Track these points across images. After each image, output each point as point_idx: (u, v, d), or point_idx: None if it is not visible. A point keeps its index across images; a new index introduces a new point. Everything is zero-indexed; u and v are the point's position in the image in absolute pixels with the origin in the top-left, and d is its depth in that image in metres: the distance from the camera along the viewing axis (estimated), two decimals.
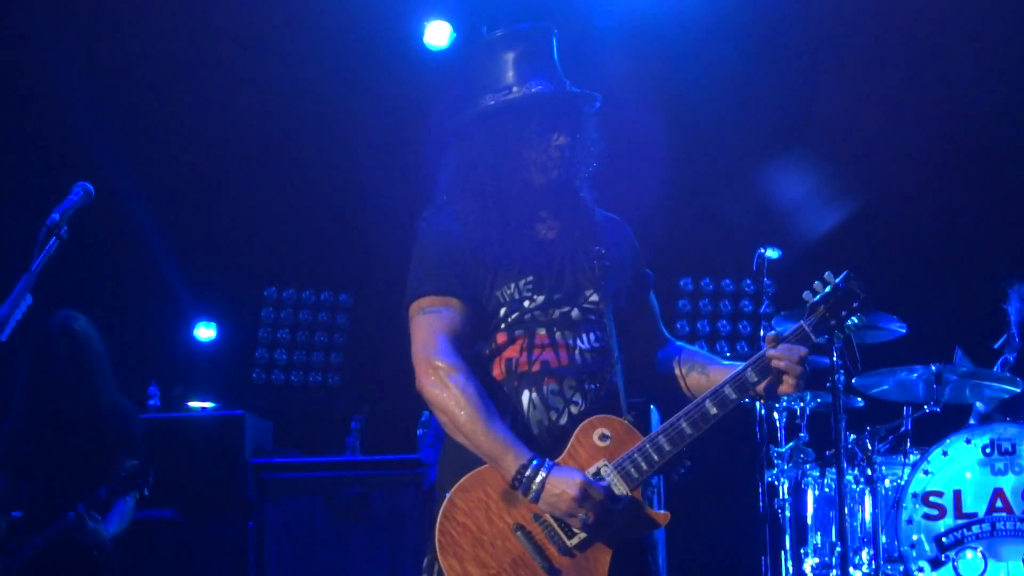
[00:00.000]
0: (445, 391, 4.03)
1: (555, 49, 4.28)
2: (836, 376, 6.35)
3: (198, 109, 10.02)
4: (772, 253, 7.84)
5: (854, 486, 7.61)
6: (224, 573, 8.57)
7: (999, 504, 7.24)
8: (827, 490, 7.74)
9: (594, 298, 4.23)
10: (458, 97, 4.33)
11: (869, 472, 7.52)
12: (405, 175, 10.12)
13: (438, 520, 4.04)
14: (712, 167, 9.99)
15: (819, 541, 7.75)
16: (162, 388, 9.61)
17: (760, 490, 7.59)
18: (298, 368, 10.58)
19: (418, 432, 8.00)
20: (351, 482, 8.70)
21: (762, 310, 7.97)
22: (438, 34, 10.03)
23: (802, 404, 8.00)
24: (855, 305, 4.16)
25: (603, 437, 4.08)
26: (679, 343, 4.52)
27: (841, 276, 4.17)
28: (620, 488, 4.02)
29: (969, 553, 7.16)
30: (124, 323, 10.08)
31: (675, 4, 9.59)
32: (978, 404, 8.16)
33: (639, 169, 8.26)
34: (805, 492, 7.83)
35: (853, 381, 7.69)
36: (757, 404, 7.23)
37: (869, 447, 7.54)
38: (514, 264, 4.18)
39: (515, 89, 4.19)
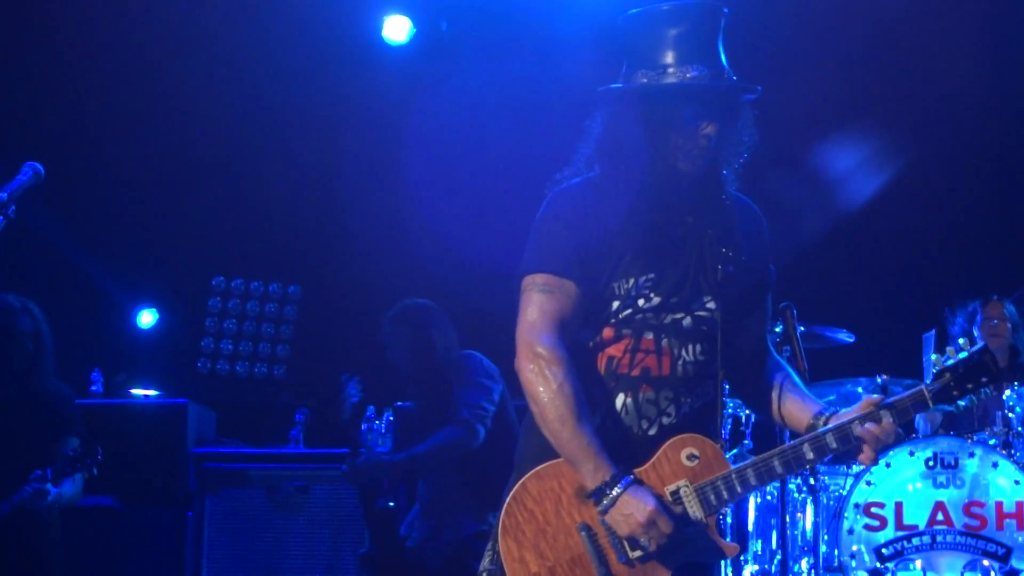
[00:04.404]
0: (542, 382, 3.90)
1: (721, 31, 4.01)
2: None
3: (150, 95, 9.94)
4: None
5: (796, 495, 7.63)
6: (162, 563, 8.51)
7: (940, 517, 7.27)
8: (769, 498, 7.74)
9: (711, 305, 4.04)
10: (611, 60, 4.12)
11: (812, 481, 7.53)
12: (361, 170, 10.10)
13: (507, 501, 3.94)
14: None
15: (759, 548, 7.76)
16: (105, 374, 9.53)
17: None
18: (244, 359, 10.50)
19: (362, 427, 7.93)
20: (293, 475, 8.65)
21: None
22: (397, 29, 10.00)
23: (747, 411, 8.00)
24: (983, 379, 3.99)
25: (691, 457, 3.94)
26: (779, 359, 4.35)
27: (977, 347, 4.00)
28: (695, 512, 3.90)
29: (909, 565, 7.20)
30: (68, 307, 10.01)
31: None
32: (918, 423, 8.20)
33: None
34: (747, 499, 7.84)
35: None
36: None
37: None
38: (639, 257, 3.99)
39: (671, 71, 3.92)
